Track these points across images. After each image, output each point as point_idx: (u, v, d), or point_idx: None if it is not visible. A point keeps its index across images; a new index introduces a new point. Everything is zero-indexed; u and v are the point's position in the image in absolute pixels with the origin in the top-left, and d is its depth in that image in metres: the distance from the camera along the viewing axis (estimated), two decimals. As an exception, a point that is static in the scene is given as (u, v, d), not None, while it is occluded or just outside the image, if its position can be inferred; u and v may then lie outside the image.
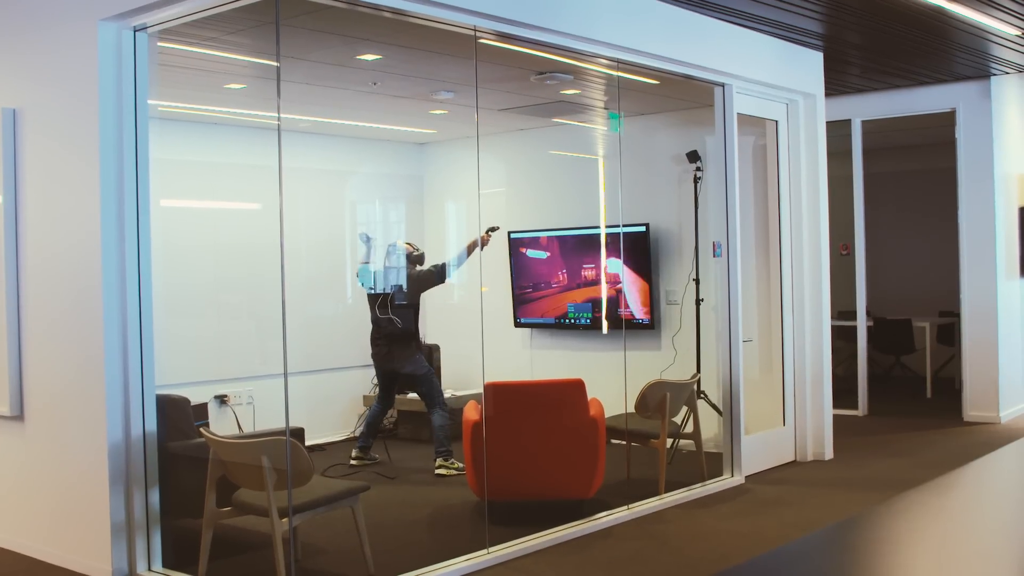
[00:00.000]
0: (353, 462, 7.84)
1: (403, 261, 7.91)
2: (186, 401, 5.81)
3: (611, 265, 8.49)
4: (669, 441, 7.11)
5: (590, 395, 6.38)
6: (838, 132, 9.46)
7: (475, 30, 5.59)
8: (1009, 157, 9.61)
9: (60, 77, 5.46)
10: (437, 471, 7.61)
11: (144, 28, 5.24)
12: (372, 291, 7.94)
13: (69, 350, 5.43)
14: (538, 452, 6.24)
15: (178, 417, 5.63)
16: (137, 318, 5.24)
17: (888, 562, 2.33)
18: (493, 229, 7.78)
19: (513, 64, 6.72)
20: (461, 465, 7.64)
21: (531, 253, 8.76)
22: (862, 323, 10.01)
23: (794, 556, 2.39)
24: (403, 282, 7.85)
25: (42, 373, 5.61)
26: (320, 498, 5.12)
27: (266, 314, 7.84)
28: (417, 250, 8.04)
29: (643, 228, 8.42)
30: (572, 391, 6.28)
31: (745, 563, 2.17)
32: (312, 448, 7.88)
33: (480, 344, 6.17)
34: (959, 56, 8.41)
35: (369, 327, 7.93)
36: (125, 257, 5.22)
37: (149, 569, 5.23)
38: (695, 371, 7.95)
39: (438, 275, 7.95)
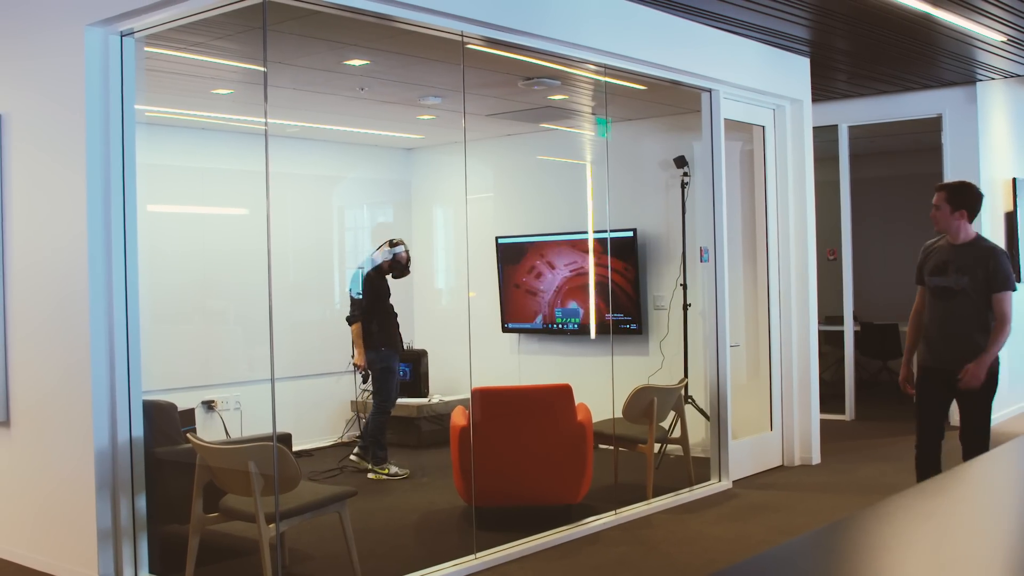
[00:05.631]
0: (370, 476, 7.68)
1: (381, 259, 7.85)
2: (173, 406, 5.80)
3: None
4: (657, 446, 7.11)
5: (578, 400, 6.38)
6: (825, 137, 9.49)
7: (463, 35, 5.59)
8: (994, 163, 9.65)
9: (47, 82, 5.44)
10: (369, 475, 7.63)
11: (131, 33, 5.22)
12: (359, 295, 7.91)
13: (55, 355, 5.41)
14: (525, 457, 6.24)
15: (165, 422, 5.62)
16: (124, 323, 5.23)
17: (875, 566, 2.33)
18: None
19: (501, 70, 6.73)
20: (397, 470, 7.63)
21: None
22: (849, 328, 10.03)
23: (780, 560, 2.39)
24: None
25: (28, 378, 5.59)
26: (307, 504, 5.11)
27: (253, 319, 7.83)
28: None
29: (631, 233, 8.43)
30: (560, 396, 6.28)
31: (731, 567, 2.17)
32: (299, 453, 7.86)
33: (468, 349, 6.17)
34: (945, 62, 8.45)
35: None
36: (112, 262, 5.20)
37: (136, 575, 5.21)
38: (682, 376, 7.96)
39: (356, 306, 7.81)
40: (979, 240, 5.63)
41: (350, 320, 7.75)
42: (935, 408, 5.66)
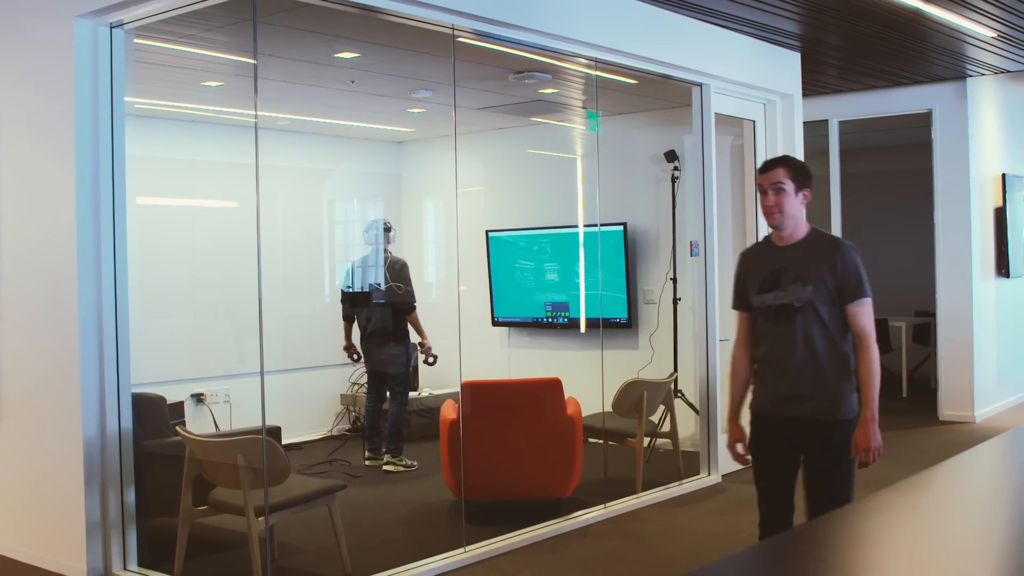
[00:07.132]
0: (387, 468, 7.73)
1: (382, 240, 7.88)
2: (162, 399, 5.79)
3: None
4: (646, 440, 7.12)
5: (567, 394, 6.38)
6: (815, 132, 9.50)
7: (453, 28, 5.58)
8: (984, 158, 9.68)
9: (36, 74, 5.42)
10: (385, 467, 7.66)
11: (121, 25, 5.21)
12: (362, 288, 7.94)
13: (44, 348, 5.39)
14: (515, 451, 6.25)
15: (154, 415, 5.61)
16: (113, 316, 5.21)
17: (861, 560, 2.34)
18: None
19: (491, 63, 6.72)
20: (411, 462, 7.66)
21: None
22: (838, 323, 10.03)
23: (768, 554, 2.40)
24: (381, 280, 7.82)
25: (17, 371, 5.57)
26: (296, 497, 5.11)
27: (243, 312, 7.78)
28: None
29: (621, 228, 8.43)
30: (549, 390, 6.28)
31: (720, 561, 2.18)
32: (289, 447, 7.85)
33: (458, 343, 6.17)
34: (935, 57, 8.47)
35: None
36: (101, 254, 5.19)
37: (125, 568, 5.21)
38: (672, 370, 7.98)
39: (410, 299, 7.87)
40: (818, 233, 4.14)
41: (408, 310, 7.81)
42: (780, 473, 4.13)
